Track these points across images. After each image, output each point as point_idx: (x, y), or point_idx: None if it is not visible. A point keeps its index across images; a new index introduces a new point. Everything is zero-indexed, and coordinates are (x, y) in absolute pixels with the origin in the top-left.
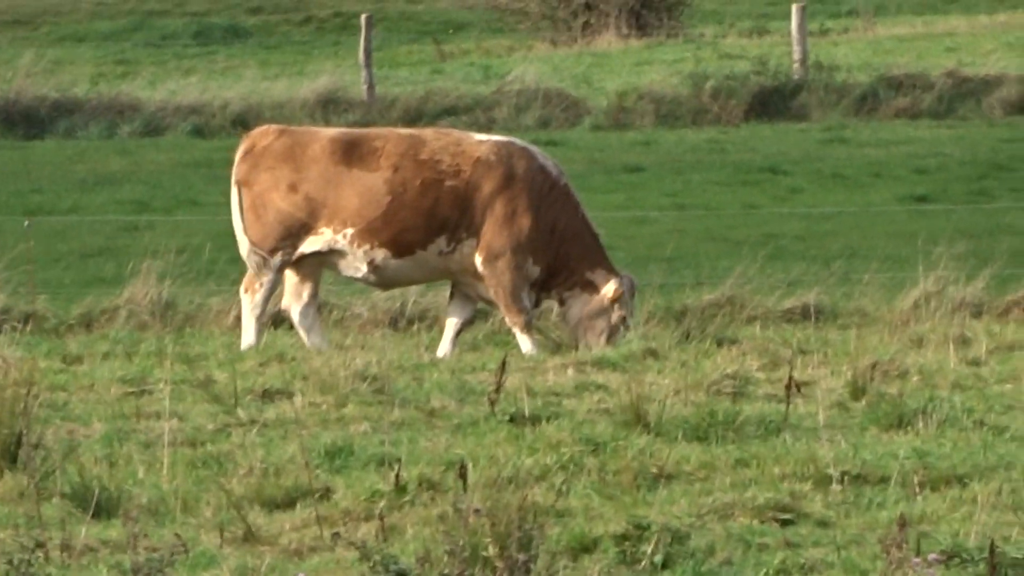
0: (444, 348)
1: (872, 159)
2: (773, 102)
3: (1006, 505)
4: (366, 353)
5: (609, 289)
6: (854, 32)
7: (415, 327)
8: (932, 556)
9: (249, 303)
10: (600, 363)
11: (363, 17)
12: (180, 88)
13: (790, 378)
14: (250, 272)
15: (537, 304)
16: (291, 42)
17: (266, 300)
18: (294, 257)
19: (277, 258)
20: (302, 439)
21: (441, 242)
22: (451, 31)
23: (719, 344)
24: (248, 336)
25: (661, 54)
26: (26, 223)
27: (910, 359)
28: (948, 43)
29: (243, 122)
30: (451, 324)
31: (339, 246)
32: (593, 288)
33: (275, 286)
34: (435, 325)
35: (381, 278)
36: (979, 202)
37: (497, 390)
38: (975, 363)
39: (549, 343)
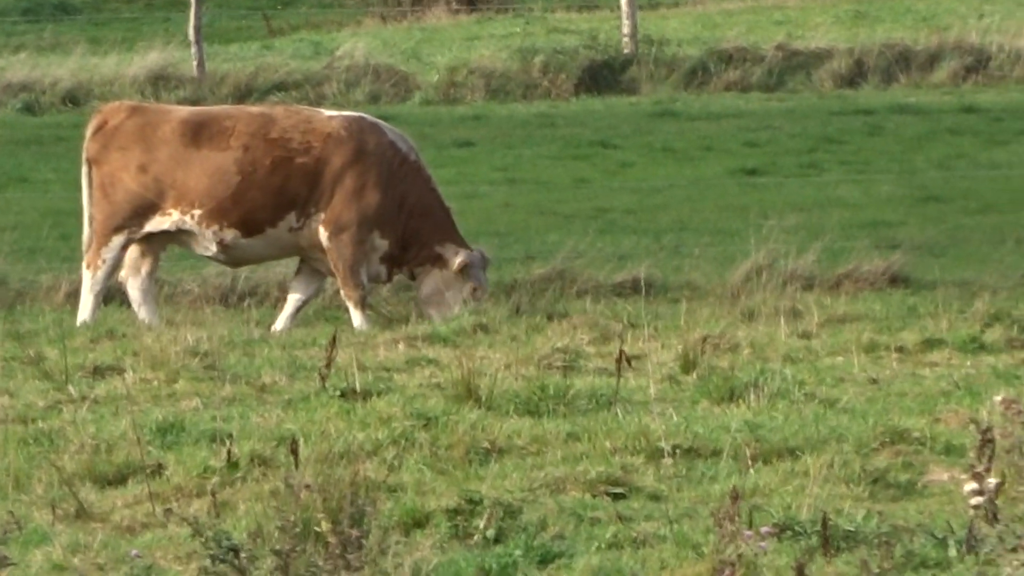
0: (281, 323)
1: (703, 132)
2: (603, 76)
3: (838, 477)
4: (197, 329)
5: (455, 262)
6: (684, 6)
7: (246, 303)
8: (764, 529)
9: (90, 279)
10: (431, 338)
11: None
12: (9, 65)
13: (621, 352)
14: (93, 248)
15: (389, 279)
16: (121, 19)
17: (107, 277)
18: (139, 236)
19: (122, 236)
20: (133, 415)
21: (291, 218)
22: (280, 6)
23: (550, 318)
24: (84, 312)
25: (491, 29)
26: None
27: (741, 332)
28: (778, 16)
29: (73, 99)
30: (292, 300)
31: (187, 226)
32: (443, 263)
33: (117, 264)
34: (266, 301)
35: (231, 257)
36: (809, 175)
37: (328, 365)
38: (806, 336)
39: (380, 319)
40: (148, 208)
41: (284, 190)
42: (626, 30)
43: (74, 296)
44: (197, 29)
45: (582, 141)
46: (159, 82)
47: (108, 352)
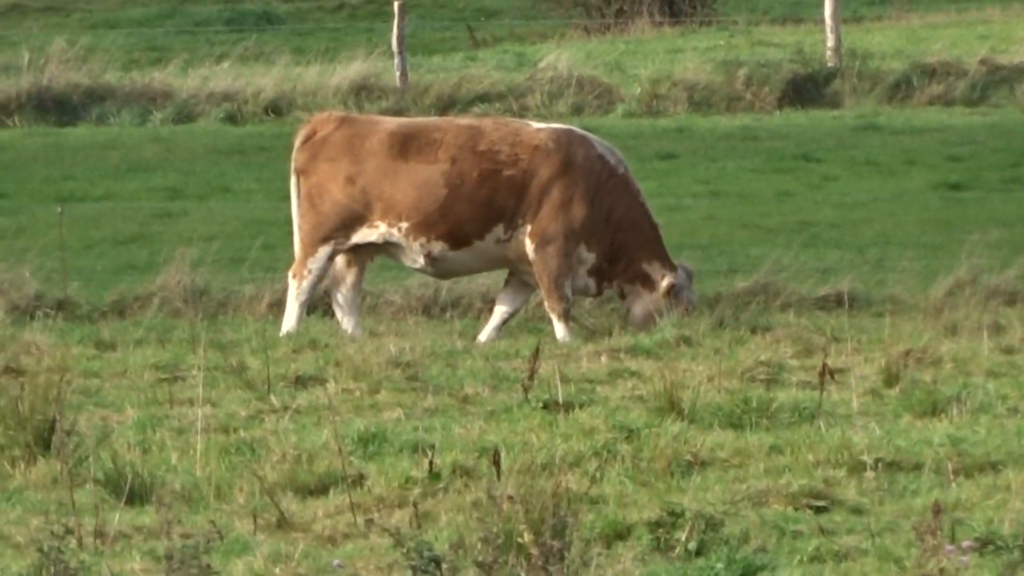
0: (487, 334)
1: (905, 146)
2: (806, 89)
3: None
4: (399, 340)
5: (662, 285)
6: (888, 20)
7: (448, 314)
8: (966, 543)
9: (296, 289)
10: (633, 350)
11: (396, 4)
12: (212, 74)
13: (824, 365)
14: (299, 258)
15: (599, 292)
16: (324, 28)
17: (313, 287)
18: (345, 247)
19: (328, 247)
20: (335, 425)
21: (499, 231)
22: (483, 18)
23: (753, 331)
24: (289, 322)
25: (694, 41)
26: (59, 210)
27: (944, 347)
28: (981, 31)
29: (276, 109)
30: (499, 312)
31: (394, 239)
32: (649, 282)
33: (323, 274)
34: (468, 312)
35: (439, 269)
36: (1013, 190)
37: (531, 377)
38: (1009, 351)
39: (583, 330)
40: (355, 220)
41: (491, 202)
42: (830, 43)
43: (277, 306)
44: (400, 40)
45: (785, 154)
46: (362, 92)
47: (310, 362)
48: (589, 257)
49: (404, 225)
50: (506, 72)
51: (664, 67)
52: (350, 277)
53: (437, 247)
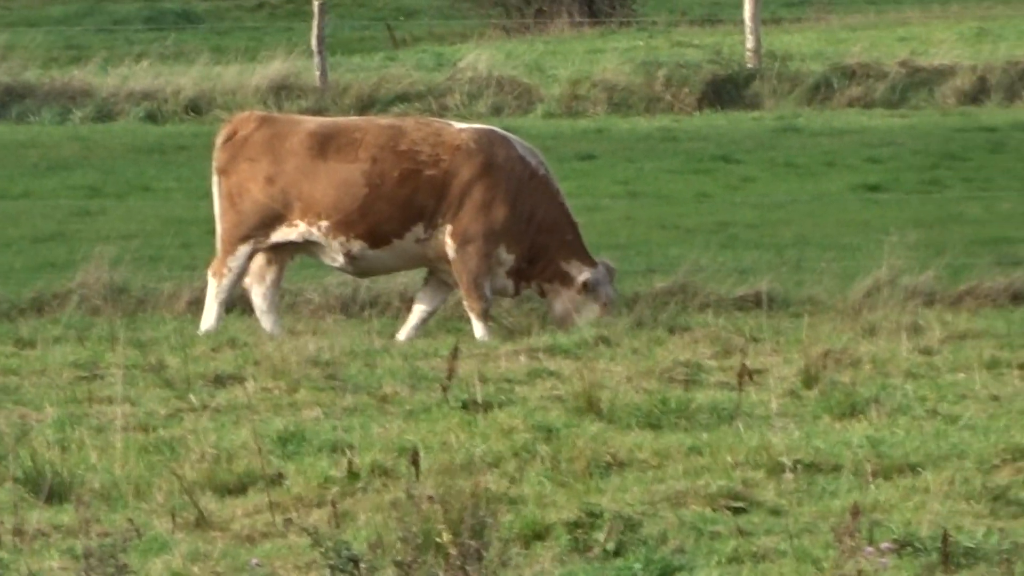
0: (405, 332)
1: (825, 148)
2: (726, 91)
3: (959, 494)
4: (318, 339)
5: (578, 281)
6: (807, 21)
7: (367, 313)
8: (885, 545)
9: (215, 287)
10: (552, 350)
11: (316, 3)
12: (132, 73)
13: (743, 366)
14: (219, 257)
15: (517, 292)
16: (243, 27)
17: (232, 286)
18: (265, 246)
19: (248, 246)
20: (254, 424)
21: (418, 230)
22: (403, 17)
23: (671, 332)
24: (208, 320)
25: (614, 42)
26: None
27: (863, 347)
28: (901, 33)
29: (196, 108)
30: (418, 311)
31: (314, 237)
32: (568, 280)
33: (243, 273)
34: (387, 311)
35: (358, 268)
36: (932, 191)
37: (449, 376)
38: (927, 352)
39: (502, 330)
40: (275, 219)
41: (412, 202)
42: (749, 44)
43: (196, 304)
44: (320, 39)
45: (704, 155)
46: (281, 92)
47: (229, 361)
48: (508, 258)
49: (324, 224)
50: (426, 72)
51: (584, 68)
52: (270, 275)
53: (356, 246)
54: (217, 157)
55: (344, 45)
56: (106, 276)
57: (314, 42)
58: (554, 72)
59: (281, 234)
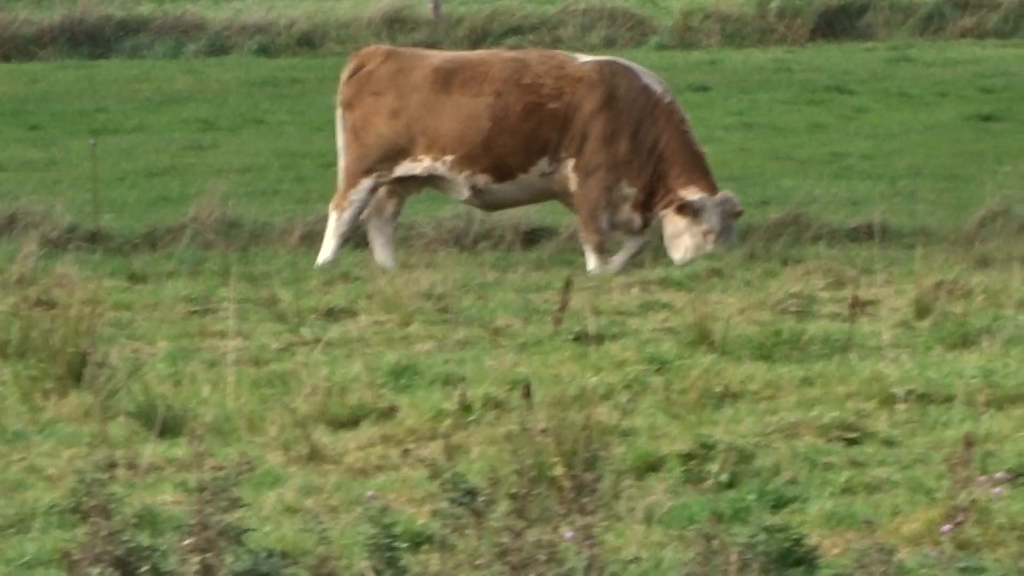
0: (617, 263)
1: (937, 78)
2: (839, 21)
3: None
4: (431, 272)
5: (677, 203)
6: None
7: (480, 246)
8: (999, 475)
9: (336, 220)
10: (665, 282)
11: None
12: (245, 7)
13: (855, 297)
14: (341, 189)
15: (645, 225)
16: None
17: (353, 220)
18: (388, 180)
19: (371, 179)
20: (367, 358)
21: (543, 164)
22: None
23: (784, 263)
24: (326, 252)
25: None
26: (92, 142)
27: (975, 278)
28: None
29: (308, 41)
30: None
31: (439, 172)
32: (683, 208)
33: (364, 206)
34: (500, 245)
35: (484, 201)
36: None
37: (562, 309)
38: None
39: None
40: (399, 153)
41: (536, 136)
42: None
43: (309, 238)
44: None
45: (818, 86)
46: (395, 25)
47: (342, 295)
48: (630, 192)
49: (449, 158)
50: (539, 4)
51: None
52: (389, 208)
53: (482, 180)
54: (342, 91)
55: None
56: (219, 210)
57: None
58: (667, 4)
59: (405, 168)
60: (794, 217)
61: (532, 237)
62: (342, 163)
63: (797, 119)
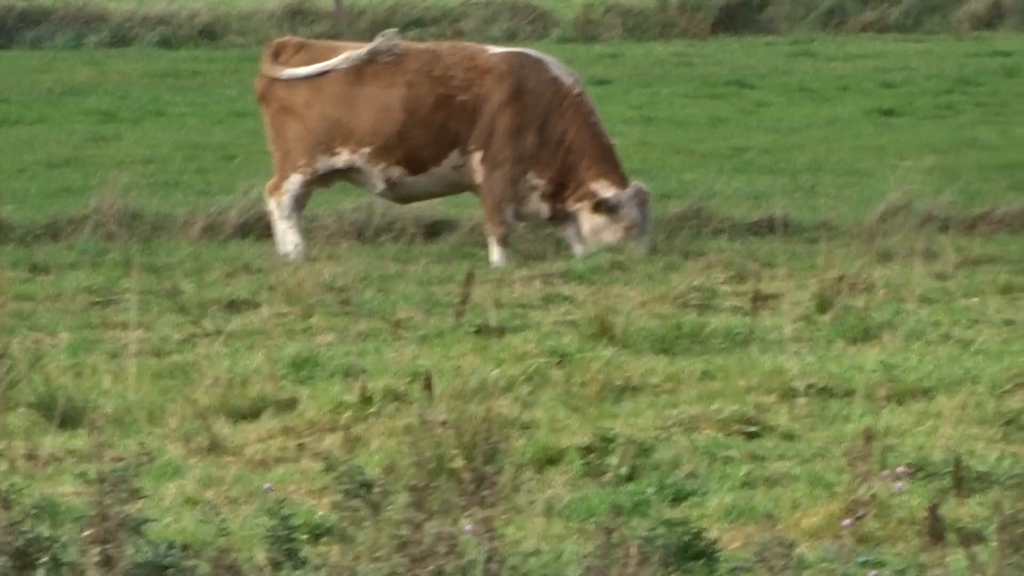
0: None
1: (839, 73)
2: (740, 15)
3: (971, 419)
4: (332, 264)
5: (594, 200)
6: None
7: (382, 238)
8: (900, 469)
9: (276, 207)
10: (567, 275)
11: None
12: None
13: (756, 291)
14: (275, 179)
15: (553, 215)
16: None
17: (292, 204)
18: (315, 173)
19: (299, 175)
20: (268, 350)
21: (454, 156)
22: None
23: (685, 257)
24: (286, 244)
25: None
26: None
27: (877, 272)
28: None
29: (210, 33)
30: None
31: (357, 164)
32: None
33: (300, 197)
34: (401, 237)
35: (398, 194)
36: (946, 116)
37: (464, 301)
38: (941, 277)
39: (517, 255)
40: (317, 146)
41: (446, 128)
42: None
43: (211, 229)
44: None
45: (719, 80)
46: (296, 17)
47: (244, 286)
48: (539, 183)
49: (366, 151)
50: None
51: None
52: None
53: (396, 172)
54: (258, 83)
55: None
56: (121, 202)
57: None
58: None
59: (326, 162)
60: (695, 211)
61: (434, 230)
62: (273, 159)
63: (698, 113)
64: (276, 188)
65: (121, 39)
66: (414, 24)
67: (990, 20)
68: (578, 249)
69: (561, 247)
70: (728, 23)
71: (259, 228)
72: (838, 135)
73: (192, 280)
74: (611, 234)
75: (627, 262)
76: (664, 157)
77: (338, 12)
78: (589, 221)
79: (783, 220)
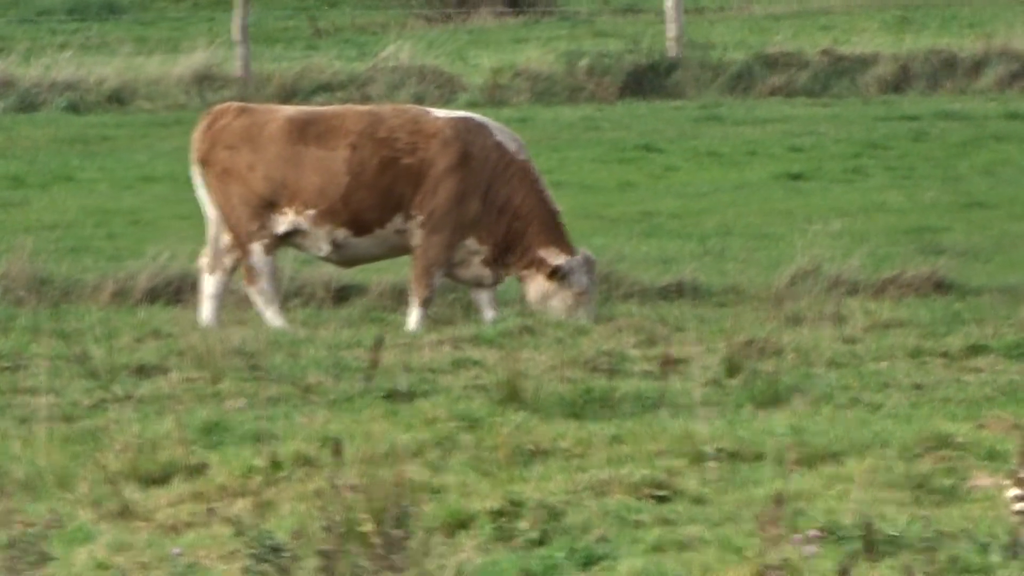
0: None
1: (747, 137)
2: (648, 80)
3: (881, 482)
4: (242, 329)
5: (548, 268)
6: (730, 11)
7: (291, 303)
8: (811, 533)
9: (258, 295)
10: (476, 340)
11: None
12: (55, 63)
13: (666, 355)
14: (245, 267)
15: (496, 281)
16: (166, 18)
17: (271, 283)
18: (272, 237)
19: (258, 243)
20: (178, 414)
21: (398, 220)
22: (326, 7)
23: (595, 321)
24: (274, 320)
25: (536, 32)
26: None
27: (786, 336)
28: (824, 22)
29: (118, 98)
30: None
31: (303, 227)
32: (545, 267)
33: (271, 267)
34: (311, 301)
35: (343, 256)
36: (854, 180)
37: (373, 366)
38: (850, 340)
39: (427, 320)
40: (264, 208)
41: (391, 191)
42: (672, 33)
43: (120, 295)
44: (243, 29)
45: (627, 145)
46: (204, 82)
47: (153, 351)
48: (481, 249)
49: (311, 212)
50: (348, 62)
51: (507, 57)
52: (228, 262)
53: (341, 234)
54: (196, 147)
55: (266, 35)
56: (29, 267)
57: (237, 32)
58: (477, 62)
59: (274, 223)
60: (604, 275)
61: (343, 294)
62: (211, 216)
63: (607, 177)
64: (249, 276)
65: (29, 104)
66: (322, 89)
67: (897, 84)
68: (488, 314)
69: (470, 311)
70: (636, 87)
71: (168, 293)
72: (746, 199)
73: (102, 345)
74: (560, 300)
75: (536, 326)
76: (573, 222)
77: (246, 77)
78: (538, 288)
79: (692, 284)
